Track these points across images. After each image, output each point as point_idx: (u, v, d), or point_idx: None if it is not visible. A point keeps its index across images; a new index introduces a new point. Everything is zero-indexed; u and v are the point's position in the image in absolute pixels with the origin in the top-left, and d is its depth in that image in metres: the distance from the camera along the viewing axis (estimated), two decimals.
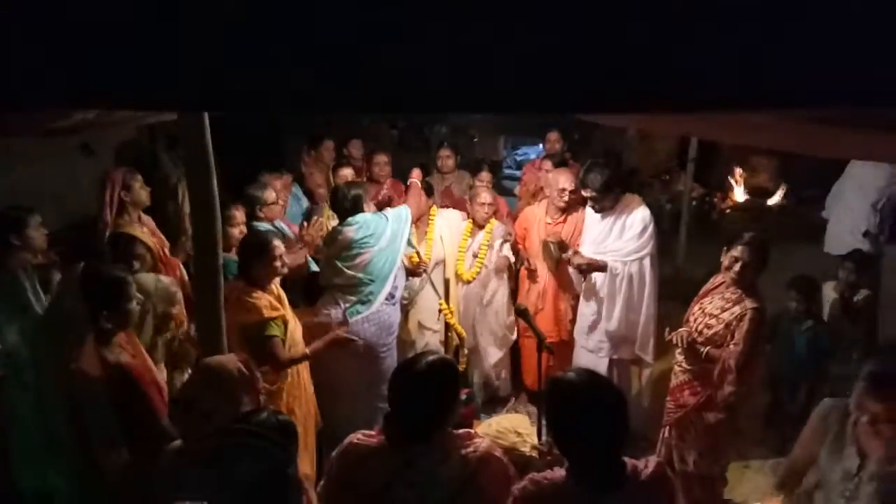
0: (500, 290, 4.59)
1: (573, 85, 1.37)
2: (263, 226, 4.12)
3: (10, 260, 2.95)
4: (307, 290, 3.98)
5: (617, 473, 1.78)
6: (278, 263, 3.21)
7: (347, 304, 3.83)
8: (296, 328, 3.34)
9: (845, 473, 2.11)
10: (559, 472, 1.83)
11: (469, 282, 4.52)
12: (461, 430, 2.06)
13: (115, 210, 3.69)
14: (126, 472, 2.32)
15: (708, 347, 3.23)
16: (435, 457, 1.92)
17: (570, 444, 1.84)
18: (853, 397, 2.10)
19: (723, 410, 3.24)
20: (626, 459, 1.82)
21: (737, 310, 3.17)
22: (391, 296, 3.95)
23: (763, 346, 3.34)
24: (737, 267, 3.15)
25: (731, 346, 3.15)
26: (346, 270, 3.83)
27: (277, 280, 3.34)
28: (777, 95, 1.36)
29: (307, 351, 3.31)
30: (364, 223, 3.82)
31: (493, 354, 4.70)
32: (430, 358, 2.02)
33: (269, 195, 4.25)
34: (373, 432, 2.03)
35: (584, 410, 1.80)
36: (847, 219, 5.18)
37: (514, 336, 4.69)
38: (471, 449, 1.96)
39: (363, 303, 3.86)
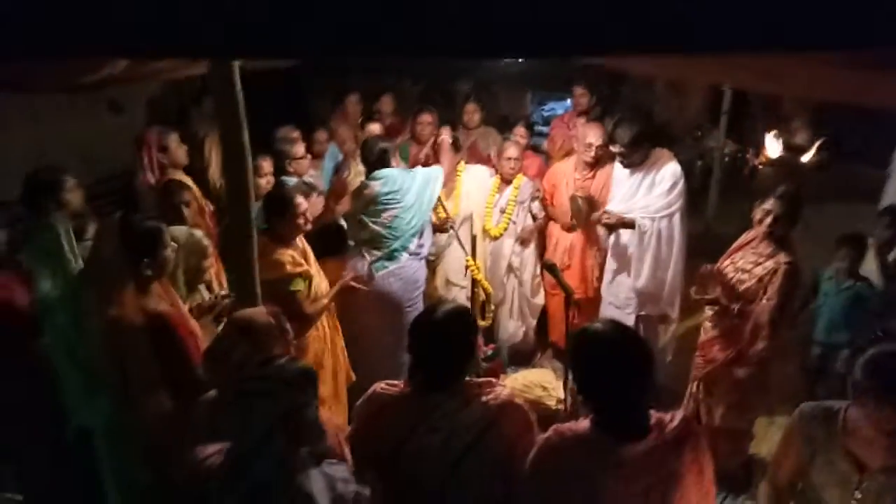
0: (528, 262, 4.61)
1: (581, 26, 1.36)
2: (292, 181, 4.15)
3: (46, 217, 3.01)
4: (332, 244, 4.00)
5: (641, 425, 1.79)
6: (301, 220, 3.23)
7: (373, 259, 3.88)
8: (321, 283, 3.39)
9: (842, 488, 1.85)
10: (583, 423, 1.85)
11: (496, 237, 4.52)
12: (482, 379, 2.10)
13: (156, 171, 3.75)
14: (163, 416, 2.42)
15: (740, 303, 3.23)
16: (457, 404, 1.97)
17: (594, 393, 1.85)
18: (853, 405, 1.81)
19: (754, 365, 3.24)
20: (652, 412, 1.83)
21: (770, 264, 3.16)
22: (416, 253, 4.00)
23: (798, 303, 3.28)
24: (769, 220, 3.14)
25: (765, 301, 3.14)
26: (371, 225, 3.86)
27: (302, 234, 3.37)
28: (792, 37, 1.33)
29: (325, 301, 3.35)
30: (390, 178, 3.83)
31: (526, 322, 4.77)
32: (447, 307, 2.07)
33: (298, 149, 4.27)
34: (396, 382, 2.09)
35: (609, 360, 1.81)
36: None
37: (542, 302, 4.72)
38: (492, 396, 2.01)
39: (389, 258, 3.91)
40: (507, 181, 4.51)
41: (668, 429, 1.79)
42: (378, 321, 3.98)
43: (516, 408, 2.04)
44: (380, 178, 3.84)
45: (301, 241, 3.37)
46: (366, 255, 3.90)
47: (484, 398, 2.00)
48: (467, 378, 2.06)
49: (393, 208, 3.84)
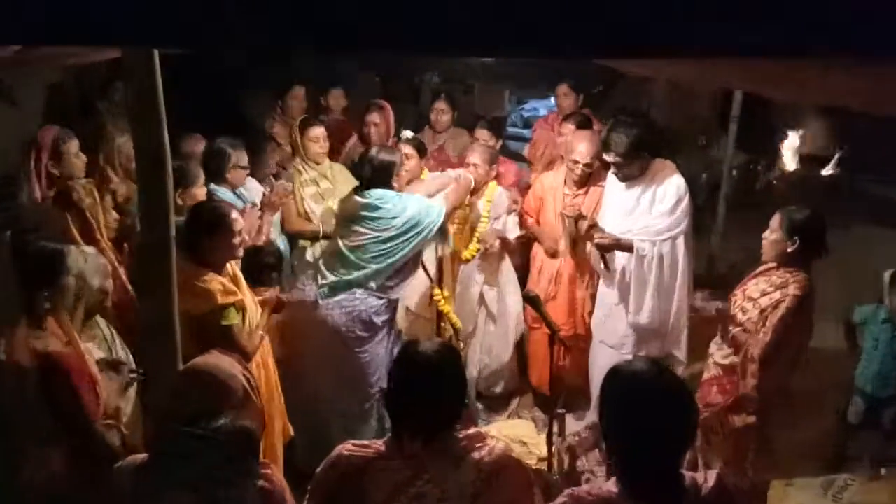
0: (504, 267, 4.61)
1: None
2: (222, 191, 4.06)
3: None
4: (267, 271, 3.87)
5: (677, 488, 1.77)
6: (237, 241, 3.16)
7: (324, 282, 3.84)
8: (256, 314, 3.32)
9: None
10: (607, 486, 1.83)
11: (467, 261, 4.50)
12: (471, 431, 2.08)
13: (43, 183, 3.62)
14: (53, 479, 2.34)
15: (736, 330, 3.32)
16: (445, 463, 1.95)
17: (626, 447, 1.83)
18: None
19: (751, 413, 3.28)
20: (684, 472, 1.83)
21: (777, 295, 3.23)
22: (376, 292, 3.91)
23: (800, 341, 3.31)
24: (770, 237, 3.26)
25: (760, 335, 3.21)
26: (338, 240, 3.87)
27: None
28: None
29: (261, 333, 3.29)
30: (379, 201, 3.79)
31: (505, 350, 4.74)
32: (430, 344, 2.07)
33: (241, 157, 4.15)
34: (365, 441, 2.06)
35: (650, 408, 1.78)
36: None
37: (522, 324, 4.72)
38: (485, 452, 1.99)
39: (340, 287, 3.84)
40: (474, 191, 4.46)
41: (703, 491, 1.78)
42: (317, 361, 3.90)
43: (515, 464, 2.04)
44: (370, 196, 3.80)
45: (231, 265, 3.29)
46: (319, 277, 3.86)
47: (476, 455, 1.98)
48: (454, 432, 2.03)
49: (365, 233, 3.80)
